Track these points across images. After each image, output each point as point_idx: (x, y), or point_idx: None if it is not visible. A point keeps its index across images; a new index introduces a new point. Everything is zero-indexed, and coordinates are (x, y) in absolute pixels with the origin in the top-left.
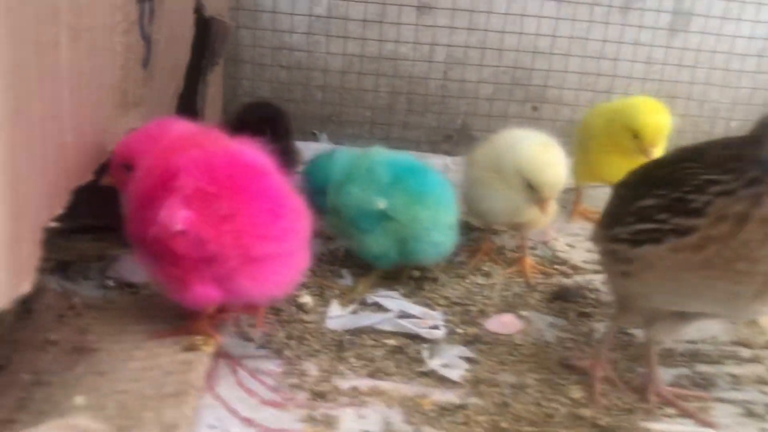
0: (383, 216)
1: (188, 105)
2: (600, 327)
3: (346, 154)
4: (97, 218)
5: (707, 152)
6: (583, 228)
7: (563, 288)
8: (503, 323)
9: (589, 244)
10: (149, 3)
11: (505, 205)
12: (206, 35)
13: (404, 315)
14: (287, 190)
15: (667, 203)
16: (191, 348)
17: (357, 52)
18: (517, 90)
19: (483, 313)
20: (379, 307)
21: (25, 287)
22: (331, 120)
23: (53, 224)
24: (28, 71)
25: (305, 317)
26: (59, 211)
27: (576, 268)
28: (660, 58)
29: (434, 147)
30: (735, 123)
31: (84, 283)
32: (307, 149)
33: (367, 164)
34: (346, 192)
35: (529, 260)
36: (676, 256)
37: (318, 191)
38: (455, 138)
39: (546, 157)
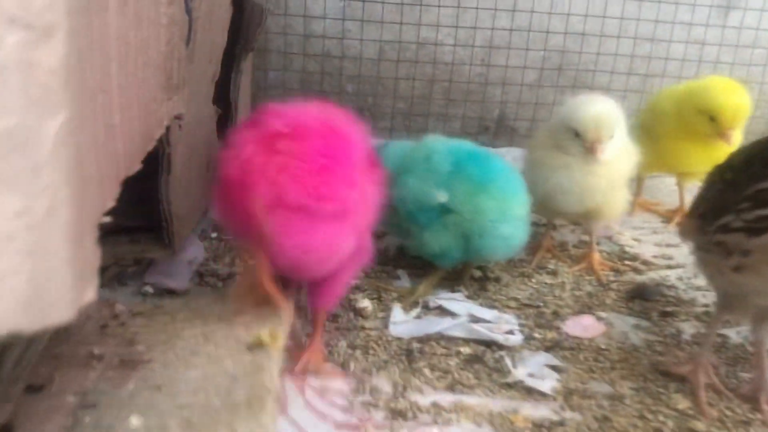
0: (444, 209)
1: (223, 95)
2: (686, 327)
3: (399, 145)
4: (133, 218)
5: None
6: (647, 221)
7: (640, 286)
8: (584, 326)
9: (658, 237)
10: None
11: (570, 183)
12: (241, 18)
13: (475, 319)
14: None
15: None
16: (257, 344)
17: (393, 38)
18: (563, 76)
19: (558, 316)
20: (444, 311)
21: (90, 294)
22: (364, 113)
23: (106, 219)
24: (82, 33)
25: (366, 324)
26: (111, 204)
27: (648, 264)
28: (715, 39)
29: (474, 138)
30: None
31: (120, 289)
32: None
33: (424, 153)
34: (402, 184)
35: (597, 256)
36: None
37: None
38: (493, 129)
39: (587, 101)
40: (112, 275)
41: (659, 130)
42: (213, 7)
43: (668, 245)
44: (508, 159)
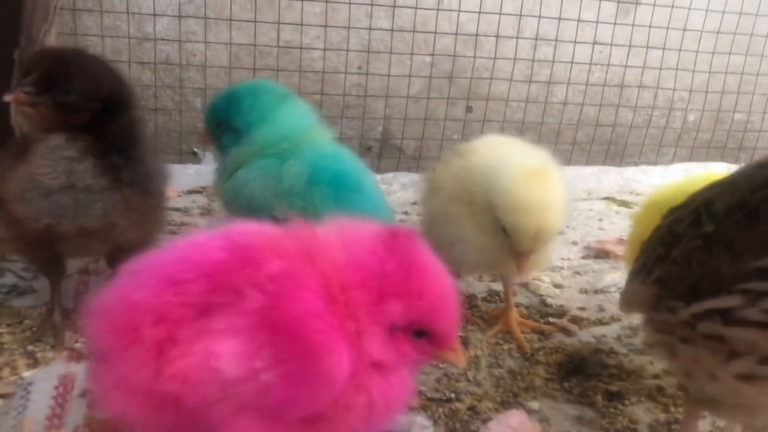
0: None
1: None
2: (640, 413)
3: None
4: None
5: None
6: (565, 258)
7: (575, 357)
8: (512, 428)
9: (581, 280)
10: None
11: (480, 255)
12: (18, 12)
13: None
14: None
15: None
16: None
17: (246, 41)
18: (454, 85)
19: (477, 413)
20: None
21: None
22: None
23: None
24: None
25: None
26: None
27: (577, 321)
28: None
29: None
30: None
31: None
32: (184, 174)
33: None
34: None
35: (515, 314)
36: None
37: None
38: (376, 149)
39: (530, 193)
40: None
41: None
42: None
43: (595, 291)
44: (396, 186)
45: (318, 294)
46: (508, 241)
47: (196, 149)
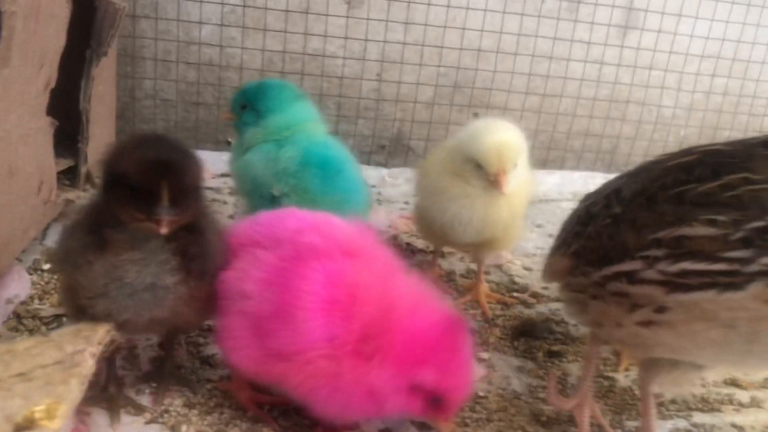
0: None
1: (66, 104)
2: (573, 369)
3: None
4: None
5: (755, 160)
6: (540, 247)
7: (528, 322)
8: None
9: None
10: None
11: (470, 215)
12: (91, 18)
13: None
14: None
15: (743, 235)
16: (26, 424)
17: (278, 48)
18: (459, 94)
19: None
20: None
21: None
22: None
23: None
24: None
25: (213, 374)
26: None
27: (538, 296)
28: (614, 59)
29: (367, 158)
30: (689, 130)
31: None
32: (219, 160)
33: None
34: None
35: (484, 287)
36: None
37: None
38: (389, 147)
39: (487, 128)
40: None
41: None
42: (41, 3)
43: None
44: (401, 180)
45: (326, 284)
46: (483, 173)
47: (230, 139)
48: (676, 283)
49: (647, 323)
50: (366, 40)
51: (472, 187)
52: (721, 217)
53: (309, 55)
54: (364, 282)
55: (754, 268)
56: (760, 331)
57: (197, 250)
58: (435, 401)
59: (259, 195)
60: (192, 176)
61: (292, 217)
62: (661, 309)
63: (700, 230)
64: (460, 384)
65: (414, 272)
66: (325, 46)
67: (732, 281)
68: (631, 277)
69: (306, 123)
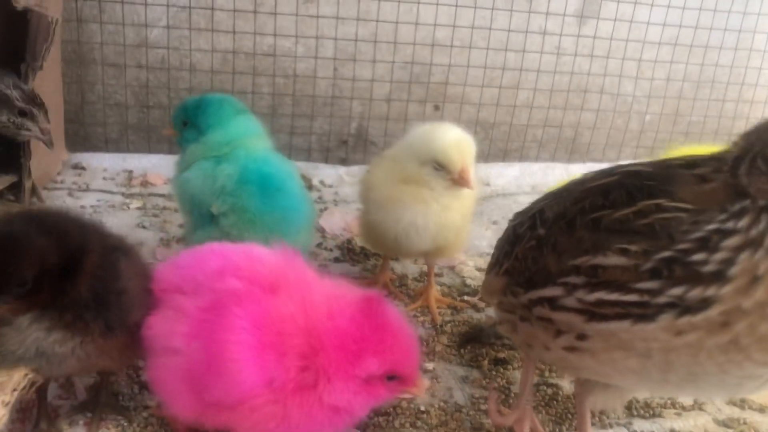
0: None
1: None
2: (518, 377)
3: None
4: None
5: (674, 182)
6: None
7: (475, 328)
8: None
9: None
10: None
11: (426, 221)
12: (23, 32)
13: None
14: None
15: (651, 266)
16: None
17: (228, 47)
18: (416, 88)
19: None
20: None
21: None
22: None
23: None
24: None
25: (152, 401)
26: None
27: None
28: (570, 49)
29: (327, 155)
30: (650, 117)
31: None
32: (173, 163)
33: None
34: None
35: (435, 292)
36: (679, 339)
37: None
38: (351, 143)
39: (436, 129)
40: None
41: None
42: None
43: None
44: (359, 179)
45: (252, 329)
46: (443, 172)
47: None
48: (593, 312)
49: (571, 349)
50: (317, 37)
51: (429, 190)
52: (633, 247)
53: (261, 54)
54: (289, 314)
55: (662, 300)
56: (673, 362)
57: (96, 310)
58: (393, 378)
59: (199, 213)
60: (29, 260)
61: (212, 257)
62: (582, 336)
63: (613, 260)
64: (403, 349)
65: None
66: (276, 43)
67: (643, 312)
68: (553, 303)
69: (246, 138)
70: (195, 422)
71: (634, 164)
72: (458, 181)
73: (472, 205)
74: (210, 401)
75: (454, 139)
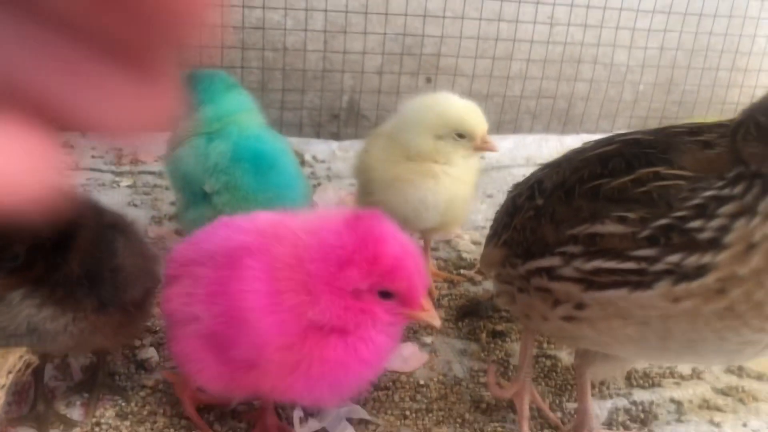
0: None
1: None
2: (516, 349)
3: None
4: None
5: (674, 150)
6: (490, 219)
7: (472, 302)
8: (404, 357)
9: None
10: None
11: (435, 197)
12: None
13: None
14: None
15: (649, 233)
16: None
17: (216, 21)
18: (408, 60)
19: None
20: None
21: None
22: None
23: None
24: None
25: (148, 380)
26: None
27: (484, 273)
28: (563, 18)
29: (319, 130)
30: (643, 87)
31: None
32: (163, 142)
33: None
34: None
35: (431, 266)
36: (677, 306)
37: None
38: (343, 117)
39: (441, 99)
40: None
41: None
42: None
43: None
44: (352, 153)
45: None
46: (464, 141)
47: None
48: (591, 281)
49: (569, 318)
50: (307, 9)
51: (439, 165)
52: (630, 215)
53: (249, 28)
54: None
55: (659, 267)
56: (672, 329)
57: (88, 287)
58: (387, 296)
59: (191, 191)
60: (21, 233)
61: (221, 228)
62: (580, 306)
63: (611, 228)
64: (393, 263)
65: None
66: (265, 16)
67: (641, 280)
68: (550, 273)
69: (238, 114)
70: (225, 392)
71: (635, 132)
72: (481, 146)
73: (476, 176)
74: (236, 359)
75: (467, 106)
